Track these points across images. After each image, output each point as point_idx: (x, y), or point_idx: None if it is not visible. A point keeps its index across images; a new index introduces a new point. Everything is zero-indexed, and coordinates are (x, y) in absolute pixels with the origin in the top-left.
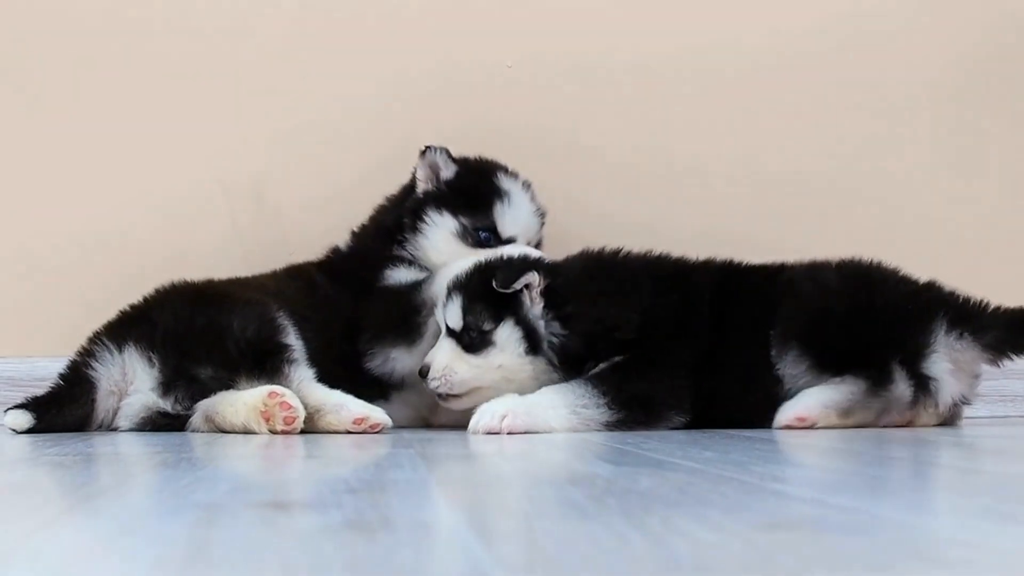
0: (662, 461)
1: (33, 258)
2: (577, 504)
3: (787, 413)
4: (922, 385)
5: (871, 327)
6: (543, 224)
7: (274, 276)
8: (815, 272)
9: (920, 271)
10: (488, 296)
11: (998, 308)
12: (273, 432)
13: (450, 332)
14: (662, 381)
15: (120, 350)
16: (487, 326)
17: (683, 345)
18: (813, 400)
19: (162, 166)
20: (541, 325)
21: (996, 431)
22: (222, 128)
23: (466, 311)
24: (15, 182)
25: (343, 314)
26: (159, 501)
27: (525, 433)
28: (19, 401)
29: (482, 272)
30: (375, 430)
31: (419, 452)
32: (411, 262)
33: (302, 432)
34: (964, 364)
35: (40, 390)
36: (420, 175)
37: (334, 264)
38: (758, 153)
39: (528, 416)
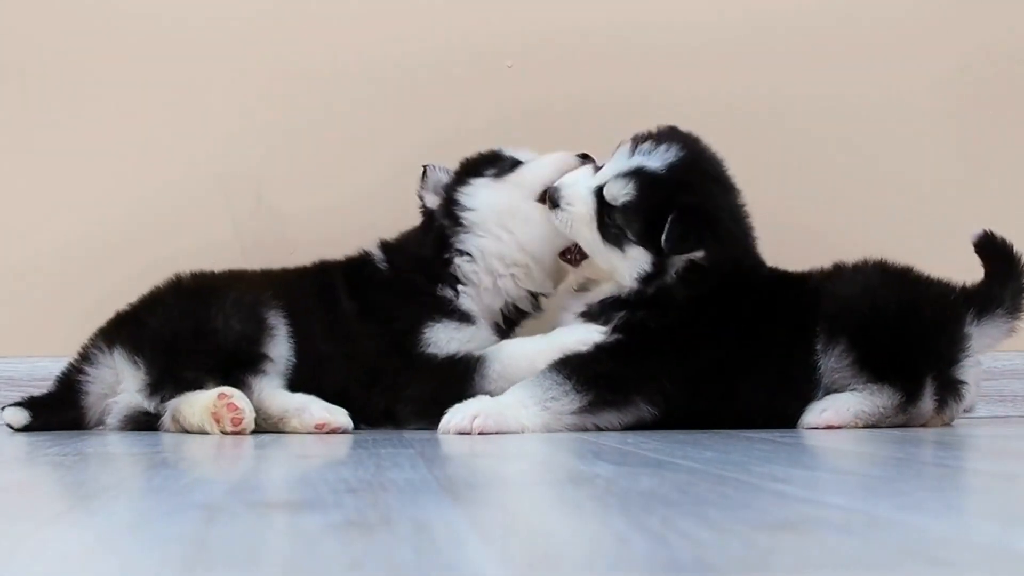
0: (662, 461)
1: (33, 258)
2: (577, 504)
3: (818, 418)
4: (952, 391)
5: (915, 332)
6: None
7: (300, 274)
8: (856, 271)
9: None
10: (641, 208)
11: (994, 277)
12: (224, 433)
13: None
14: (633, 365)
15: (111, 352)
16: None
17: (681, 345)
18: (844, 407)
19: (162, 165)
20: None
21: (996, 431)
22: (222, 127)
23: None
24: (14, 182)
25: (363, 336)
26: (159, 501)
27: (496, 433)
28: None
29: (658, 194)
30: (337, 432)
31: (419, 452)
32: (451, 311)
33: (259, 432)
34: (995, 340)
35: (40, 390)
36: (430, 201)
37: (364, 280)
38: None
39: (499, 416)
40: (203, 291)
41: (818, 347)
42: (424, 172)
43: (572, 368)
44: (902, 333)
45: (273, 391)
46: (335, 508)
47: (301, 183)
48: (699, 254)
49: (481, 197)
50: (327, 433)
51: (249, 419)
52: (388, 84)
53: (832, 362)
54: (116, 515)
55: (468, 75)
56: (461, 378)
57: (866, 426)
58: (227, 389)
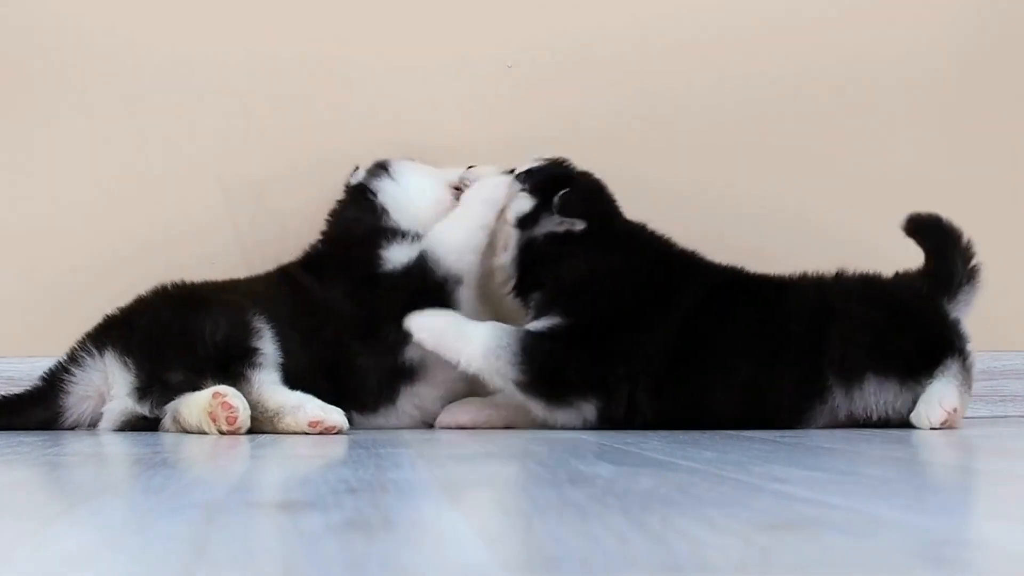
0: (662, 461)
1: (33, 258)
2: (577, 504)
3: (939, 411)
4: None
5: (922, 317)
6: None
7: (265, 278)
8: (839, 289)
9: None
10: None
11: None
12: (221, 432)
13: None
14: (575, 363)
15: (101, 354)
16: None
17: (632, 336)
18: (948, 390)
19: (162, 166)
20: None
21: (996, 431)
22: (222, 129)
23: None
24: (14, 181)
25: (333, 315)
26: (159, 501)
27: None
28: None
29: (553, 169)
30: (331, 432)
31: (419, 452)
32: (402, 233)
33: (252, 432)
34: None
35: None
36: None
37: (320, 259)
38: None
39: (443, 334)
40: (188, 298)
41: (835, 392)
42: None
43: (525, 344)
44: (916, 329)
45: (272, 386)
46: (335, 508)
47: (303, 185)
48: (580, 226)
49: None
50: (319, 433)
51: (244, 417)
52: (387, 86)
53: (872, 399)
54: (116, 515)
55: (468, 82)
56: (426, 273)
57: (964, 394)
58: (222, 388)
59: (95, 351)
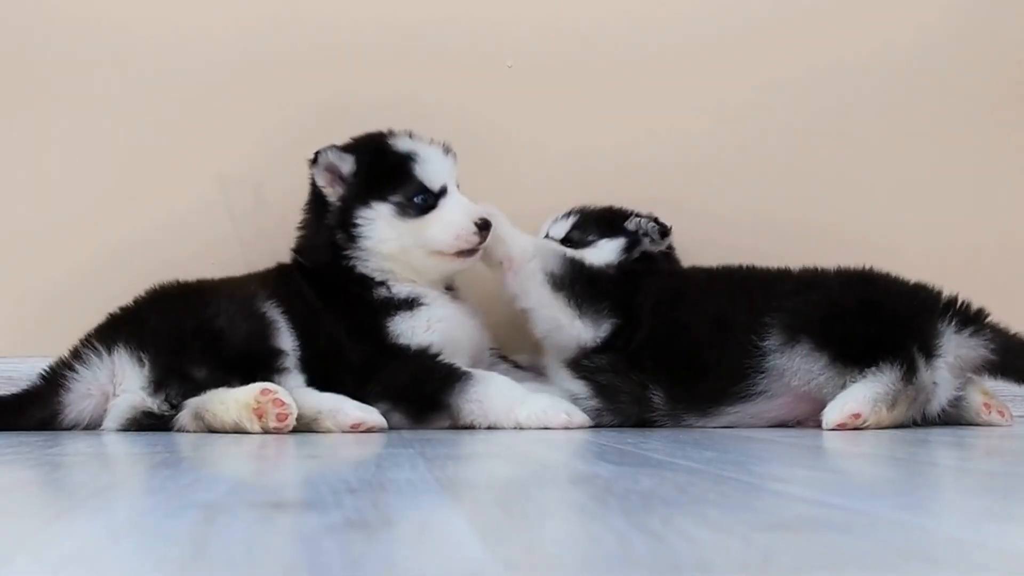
0: (662, 461)
1: (33, 258)
2: (577, 504)
3: (839, 412)
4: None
5: (887, 318)
6: (456, 160)
7: (261, 276)
8: (812, 273)
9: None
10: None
11: (996, 323)
12: (265, 430)
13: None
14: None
15: (110, 352)
16: (591, 238)
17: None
18: (862, 395)
19: (162, 166)
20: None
21: (996, 431)
22: (222, 127)
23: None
24: (14, 181)
25: (325, 316)
26: (159, 501)
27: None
28: None
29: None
30: (373, 431)
31: (419, 452)
32: (397, 304)
33: (295, 432)
34: (966, 363)
35: None
36: (322, 181)
37: (313, 276)
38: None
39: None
40: (194, 294)
41: (773, 334)
42: (316, 159)
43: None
44: (872, 321)
45: (302, 390)
46: (335, 508)
47: (302, 183)
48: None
49: (380, 231)
50: (363, 432)
51: (294, 415)
52: (386, 84)
53: (799, 362)
54: (116, 515)
55: (465, 78)
56: (442, 381)
57: (890, 410)
58: (270, 385)
59: (102, 349)
